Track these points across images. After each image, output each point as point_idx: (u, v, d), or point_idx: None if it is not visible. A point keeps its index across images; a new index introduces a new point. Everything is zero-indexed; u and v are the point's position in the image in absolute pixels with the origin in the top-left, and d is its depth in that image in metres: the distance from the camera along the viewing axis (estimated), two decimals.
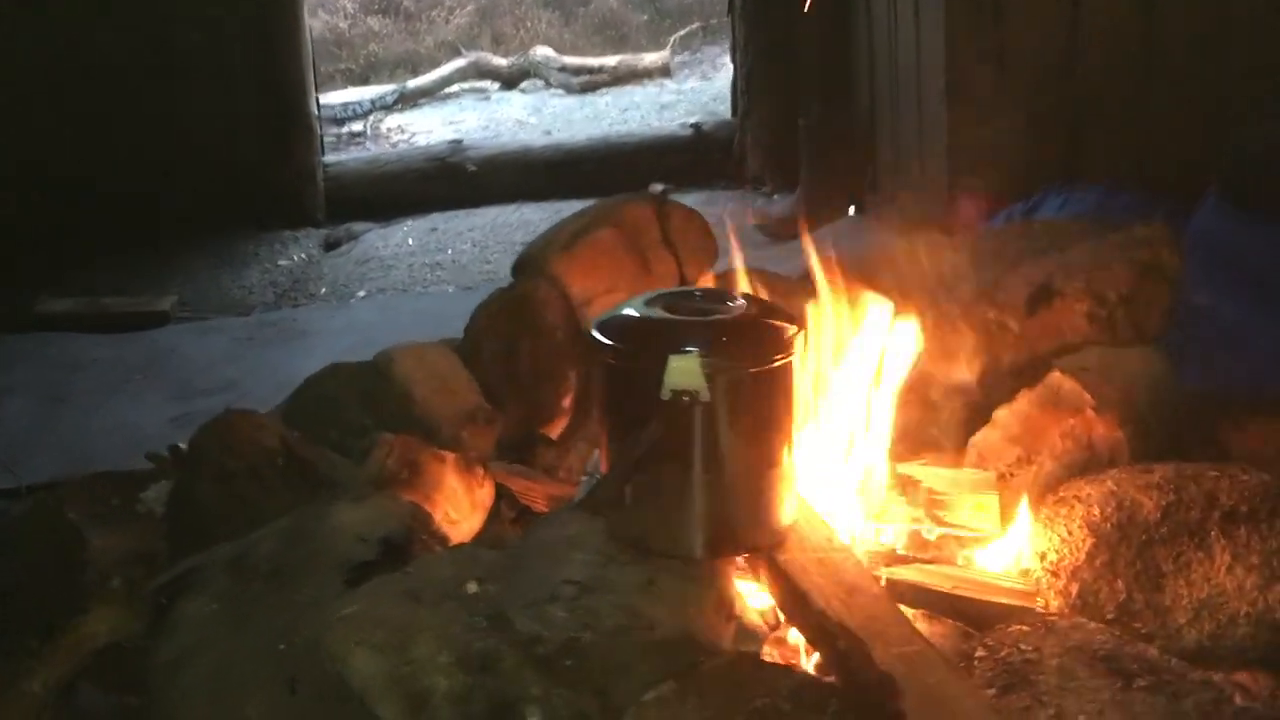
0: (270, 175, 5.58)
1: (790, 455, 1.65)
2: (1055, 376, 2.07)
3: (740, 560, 1.68)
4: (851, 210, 5.19)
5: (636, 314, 1.61)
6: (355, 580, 1.72)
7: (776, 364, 1.57)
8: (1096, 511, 1.86)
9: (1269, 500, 1.77)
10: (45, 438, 3.78)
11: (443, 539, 1.91)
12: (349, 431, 2.41)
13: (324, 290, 5.00)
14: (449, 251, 5.32)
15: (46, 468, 3.55)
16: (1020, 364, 2.35)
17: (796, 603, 1.57)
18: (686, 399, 1.51)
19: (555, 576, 1.56)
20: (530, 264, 2.51)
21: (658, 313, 1.61)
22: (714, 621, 1.55)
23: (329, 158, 5.98)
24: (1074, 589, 1.83)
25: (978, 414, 2.27)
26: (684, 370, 1.50)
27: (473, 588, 1.59)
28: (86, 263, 5.11)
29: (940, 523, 1.95)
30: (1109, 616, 1.79)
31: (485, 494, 2.15)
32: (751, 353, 1.57)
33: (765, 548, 1.65)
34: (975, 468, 2.13)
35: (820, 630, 1.52)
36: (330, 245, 5.52)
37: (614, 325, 1.61)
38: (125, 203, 5.28)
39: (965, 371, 2.26)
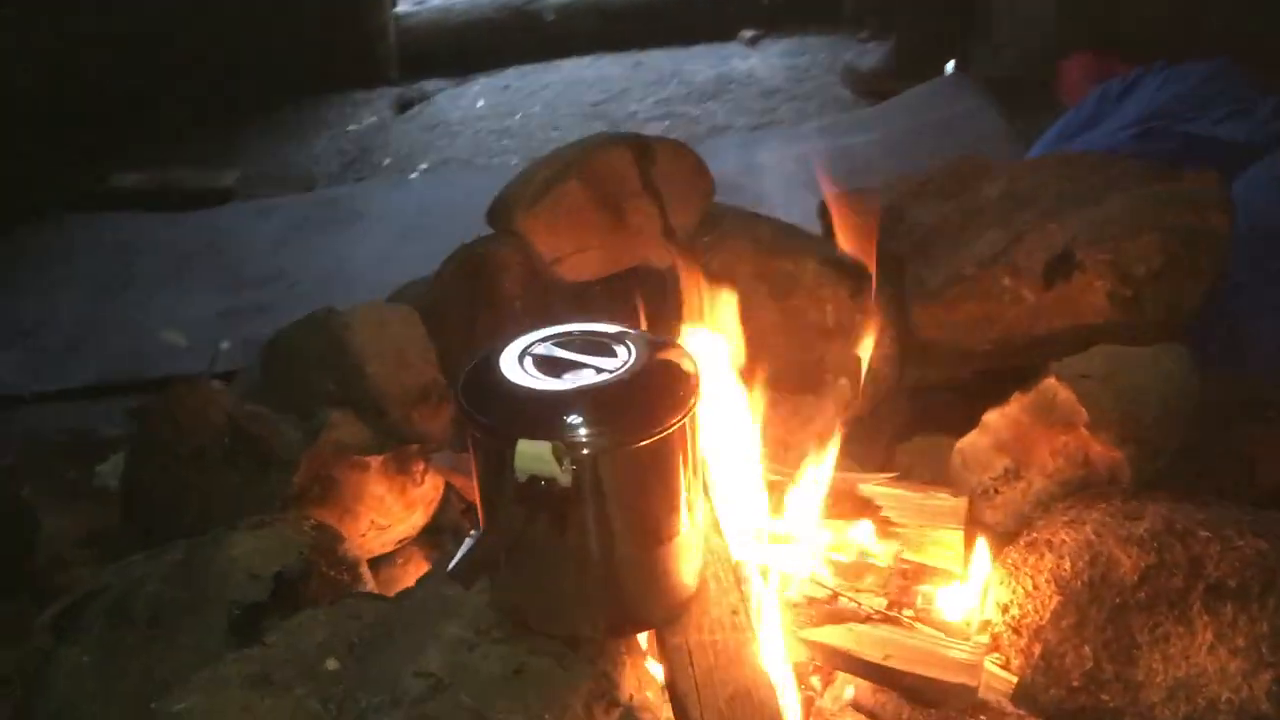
0: (341, 33, 5.38)
1: (687, 522, 1.45)
2: (1050, 384, 1.79)
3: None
4: (949, 67, 4.73)
5: (504, 374, 1.41)
6: (240, 626, 1.63)
7: (656, 437, 1.37)
8: (1067, 566, 1.62)
9: (1263, 575, 1.50)
10: (96, 334, 3.81)
11: (352, 564, 1.79)
12: (313, 396, 2.29)
13: (388, 161, 4.85)
14: (518, 115, 5.07)
15: (93, 369, 3.61)
16: (1037, 338, 2.08)
17: (674, 706, 1.40)
18: (543, 484, 1.33)
19: (412, 663, 1.42)
20: (500, 214, 2.30)
21: (526, 373, 1.40)
22: (583, 719, 1.40)
23: (402, 8, 5.72)
24: (1036, 649, 1.62)
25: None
26: (534, 456, 1.31)
27: (333, 664, 1.48)
28: (156, 134, 5.04)
29: (895, 558, 1.74)
30: (1074, 684, 1.59)
31: (428, 488, 2.02)
32: (622, 427, 1.36)
33: (657, 624, 1.49)
34: (957, 477, 1.90)
35: None
36: (403, 106, 5.33)
37: (477, 390, 1.42)
38: (196, 71, 5.16)
39: None
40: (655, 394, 1.39)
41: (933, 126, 4.28)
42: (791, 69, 5.14)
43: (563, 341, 1.46)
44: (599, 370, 1.40)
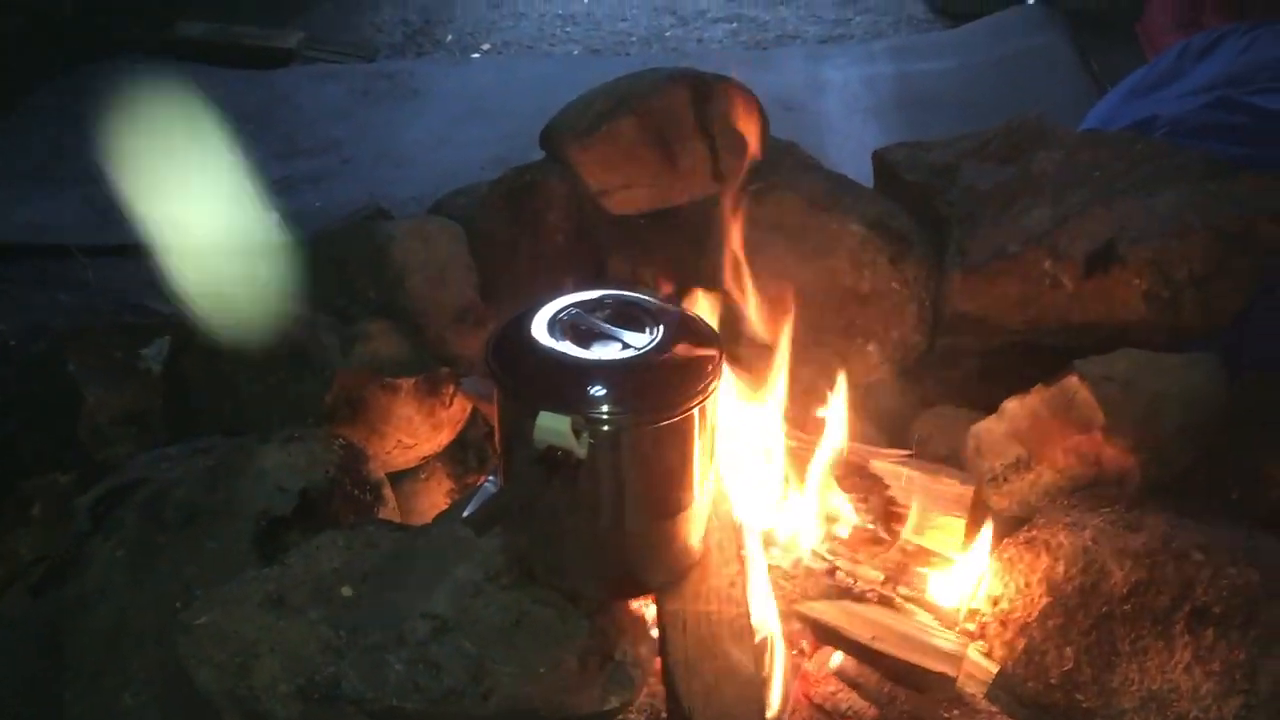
0: None
1: (697, 496, 1.51)
2: (1072, 382, 1.82)
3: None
4: None
5: (534, 337, 1.45)
6: (264, 538, 1.71)
7: (674, 418, 1.41)
8: (1061, 570, 1.67)
9: (1248, 606, 1.54)
10: None
11: (375, 484, 1.86)
12: (355, 301, 2.35)
13: (450, 38, 4.82)
14: (586, 1, 5.00)
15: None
16: (1070, 325, 2.08)
17: (665, 674, 1.48)
18: (560, 454, 1.38)
19: (422, 602, 1.50)
20: (551, 140, 2.31)
21: (555, 340, 1.44)
22: (576, 672, 1.47)
23: None
24: (1020, 644, 1.68)
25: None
26: (553, 430, 1.36)
27: (347, 591, 1.56)
28: None
29: (894, 536, 1.80)
30: (1052, 681, 1.65)
31: (456, 410, 2.08)
32: (643, 406, 1.40)
33: (657, 589, 1.55)
34: (970, 460, 1.94)
35: (674, 714, 1.44)
36: None
37: (505, 350, 1.46)
38: None
39: None
40: (677, 375, 1.43)
41: (1008, 60, 4.19)
42: None
43: (594, 308, 1.49)
44: (625, 345, 1.44)
